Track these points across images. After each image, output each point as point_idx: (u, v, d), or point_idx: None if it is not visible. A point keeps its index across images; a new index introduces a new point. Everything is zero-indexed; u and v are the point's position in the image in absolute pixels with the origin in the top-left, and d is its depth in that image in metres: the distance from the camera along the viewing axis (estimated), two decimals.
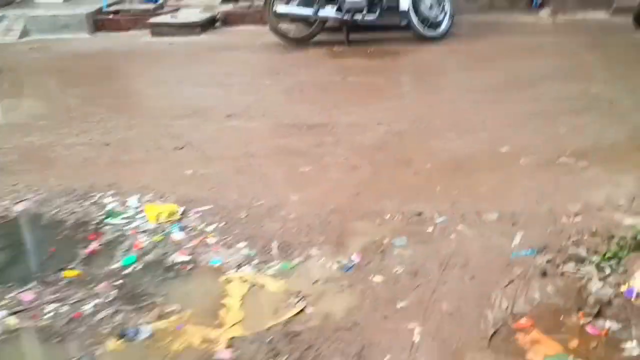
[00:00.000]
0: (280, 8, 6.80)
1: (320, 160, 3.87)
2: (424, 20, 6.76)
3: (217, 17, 8.28)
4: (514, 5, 7.70)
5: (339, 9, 6.76)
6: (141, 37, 7.76)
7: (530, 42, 6.44)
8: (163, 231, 3.10)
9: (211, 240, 3.00)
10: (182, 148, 4.19)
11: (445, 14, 6.89)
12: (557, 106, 4.51)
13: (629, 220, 2.86)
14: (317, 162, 3.84)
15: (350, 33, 7.01)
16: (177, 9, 8.62)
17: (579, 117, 4.27)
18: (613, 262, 2.58)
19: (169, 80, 5.94)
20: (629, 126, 4.04)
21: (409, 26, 6.70)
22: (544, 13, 7.56)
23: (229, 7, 8.66)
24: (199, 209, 3.32)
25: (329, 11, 6.76)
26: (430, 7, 6.78)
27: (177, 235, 3.06)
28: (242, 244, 2.95)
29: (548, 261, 2.63)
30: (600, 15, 7.38)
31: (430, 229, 2.99)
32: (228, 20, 8.30)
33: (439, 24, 6.88)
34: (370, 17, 6.78)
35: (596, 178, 3.36)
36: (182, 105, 5.13)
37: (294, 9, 6.81)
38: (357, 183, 3.53)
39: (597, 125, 4.09)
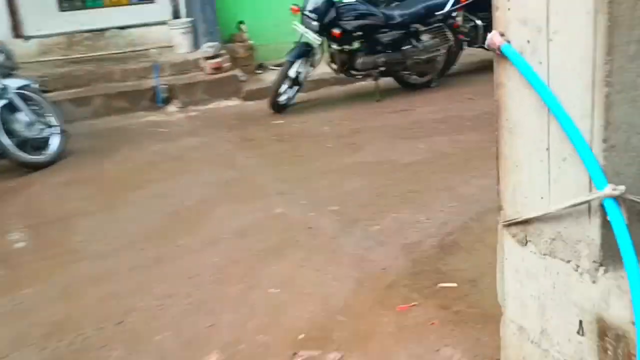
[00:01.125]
0: None
1: None
2: (24, 143, 4.94)
3: None
4: (135, 105, 6.43)
5: None
6: None
7: (173, 149, 5.24)
8: None
9: None
10: None
11: (53, 129, 5.18)
12: (247, 250, 3.32)
13: None
14: None
15: None
16: None
17: (281, 261, 3.16)
18: None
19: None
20: (348, 267, 3.08)
21: (3, 154, 4.79)
22: (173, 108, 6.50)
23: None
24: None
25: None
26: (30, 124, 4.99)
27: None
28: None
29: None
30: (232, 102, 6.71)
31: None
32: None
33: (46, 144, 5.12)
34: None
35: None
36: None
37: None
38: None
39: (312, 277, 3.00)
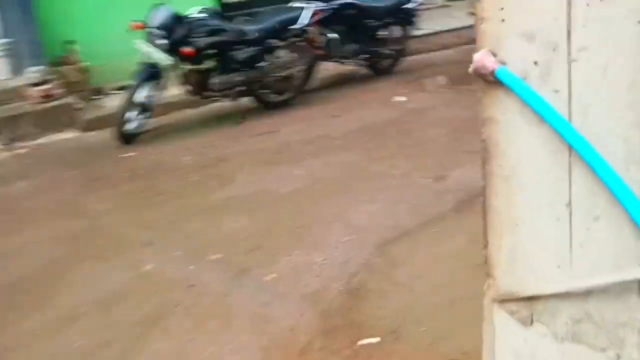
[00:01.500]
0: None
1: None
2: None
3: None
4: None
5: None
6: None
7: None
8: None
9: None
10: None
11: None
12: (117, 325, 2.67)
13: None
14: None
15: None
16: None
17: (164, 335, 2.57)
18: None
19: None
20: (248, 332, 2.58)
21: None
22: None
23: None
24: None
25: None
26: None
27: None
28: None
29: None
30: (69, 134, 5.81)
31: None
32: None
33: None
34: None
35: None
36: None
37: None
38: None
39: (207, 352, 2.46)
